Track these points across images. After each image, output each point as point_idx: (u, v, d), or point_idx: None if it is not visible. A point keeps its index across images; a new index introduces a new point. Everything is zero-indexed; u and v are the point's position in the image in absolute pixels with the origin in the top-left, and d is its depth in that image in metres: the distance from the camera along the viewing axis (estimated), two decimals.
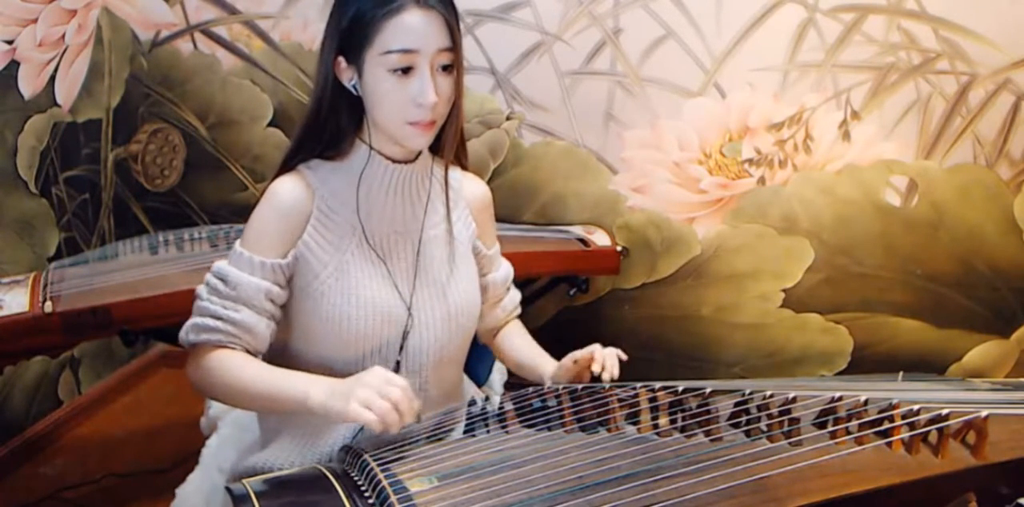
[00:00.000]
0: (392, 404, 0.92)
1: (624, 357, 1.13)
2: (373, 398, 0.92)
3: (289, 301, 1.11)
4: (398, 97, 1.01)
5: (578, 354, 1.13)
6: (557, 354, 1.38)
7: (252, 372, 1.04)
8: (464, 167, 1.23)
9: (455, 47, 1.02)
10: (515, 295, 1.33)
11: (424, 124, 1.03)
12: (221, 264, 1.09)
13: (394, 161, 1.10)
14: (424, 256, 1.14)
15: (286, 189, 1.08)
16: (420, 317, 1.13)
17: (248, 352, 1.08)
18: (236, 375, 1.04)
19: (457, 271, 1.17)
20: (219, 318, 1.06)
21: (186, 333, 1.09)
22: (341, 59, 1.04)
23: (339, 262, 1.09)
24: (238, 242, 1.09)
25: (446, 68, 1.02)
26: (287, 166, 1.11)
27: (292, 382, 1.00)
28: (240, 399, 1.06)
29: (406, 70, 1.00)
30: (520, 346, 1.29)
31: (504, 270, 1.30)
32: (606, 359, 1.10)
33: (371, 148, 1.09)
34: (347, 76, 1.05)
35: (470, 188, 1.22)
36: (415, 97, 1.01)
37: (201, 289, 1.09)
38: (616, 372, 1.11)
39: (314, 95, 1.09)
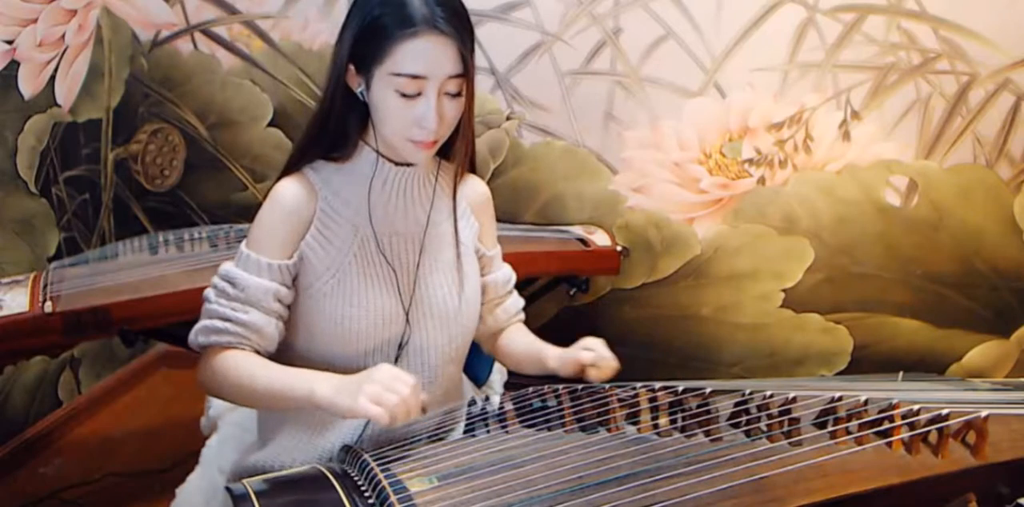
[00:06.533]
0: (400, 399, 0.92)
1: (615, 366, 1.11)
2: (381, 393, 0.92)
3: (293, 299, 1.11)
4: (402, 116, 1.02)
5: (585, 356, 1.09)
6: None
7: (259, 371, 1.05)
8: (472, 169, 1.23)
9: (466, 73, 1.02)
10: (517, 300, 1.32)
11: (425, 143, 1.04)
12: (228, 266, 1.09)
13: (397, 164, 1.11)
14: (425, 259, 1.14)
15: (289, 191, 1.09)
16: (419, 318, 1.13)
17: (257, 352, 1.09)
18: (244, 374, 1.05)
19: (458, 273, 1.17)
20: (228, 320, 1.07)
21: (195, 335, 1.10)
22: (351, 66, 1.04)
23: (341, 263, 1.09)
24: (243, 243, 1.09)
25: (454, 93, 1.03)
26: (292, 167, 1.12)
27: (298, 378, 1.01)
28: (249, 398, 1.07)
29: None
30: (520, 341, 1.26)
31: (504, 272, 1.29)
32: (603, 370, 1.09)
33: (377, 152, 1.09)
34: (356, 83, 1.05)
35: (471, 188, 1.22)
36: (418, 120, 1.01)
37: (209, 292, 1.10)
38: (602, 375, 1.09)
39: (323, 96, 1.09)
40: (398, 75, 0.99)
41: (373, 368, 0.96)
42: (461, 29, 1.01)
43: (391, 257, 1.12)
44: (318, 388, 0.97)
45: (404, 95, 1.00)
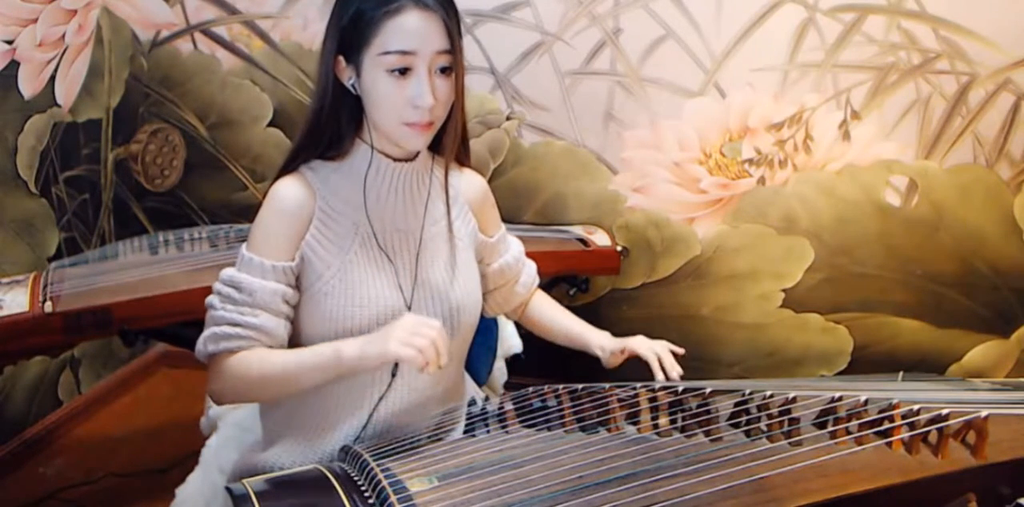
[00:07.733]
0: (430, 341, 0.95)
1: (679, 351, 1.30)
2: (411, 336, 0.95)
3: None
4: (395, 98, 1.01)
5: (633, 346, 1.27)
6: (557, 354, 1.39)
7: (277, 358, 1.05)
8: (467, 165, 1.22)
9: (454, 49, 1.02)
10: (530, 268, 1.35)
11: (421, 125, 1.03)
12: (231, 272, 1.08)
13: (394, 160, 1.10)
14: (424, 254, 1.14)
15: (288, 191, 1.08)
16: (421, 313, 1.13)
17: None
18: (261, 366, 1.04)
19: (457, 269, 1.17)
20: (237, 324, 1.05)
21: (204, 344, 1.08)
22: (341, 58, 1.04)
23: (342, 262, 1.09)
24: (244, 247, 1.09)
25: (444, 70, 1.02)
26: (288, 167, 1.11)
27: (320, 349, 1.03)
28: (270, 389, 1.07)
29: (403, 71, 1.00)
30: (560, 318, 1.37)
31: (513, 250, 1.31)
32: (665, 366, 1.25)
33: (372, 148, 1.09)
34: (346, 75, 1.05)
35: (466, 183, 1.22)
36: (412, 99, 1.01)
37: (212, 299, 1.08)
38: (677, 370, 1.25)
39: (315, 94, 1.09)
40: (387, 53, 0.99)
41: (397, 320, 0.99)
42: (445, 4, 1.01)
43: (391, 254, 1.12)
44: (344, 348, 1.00)
45: (395, 75, 1.00)
